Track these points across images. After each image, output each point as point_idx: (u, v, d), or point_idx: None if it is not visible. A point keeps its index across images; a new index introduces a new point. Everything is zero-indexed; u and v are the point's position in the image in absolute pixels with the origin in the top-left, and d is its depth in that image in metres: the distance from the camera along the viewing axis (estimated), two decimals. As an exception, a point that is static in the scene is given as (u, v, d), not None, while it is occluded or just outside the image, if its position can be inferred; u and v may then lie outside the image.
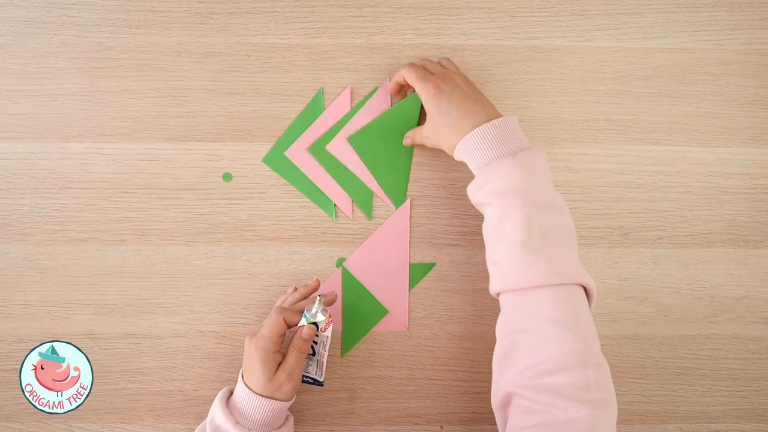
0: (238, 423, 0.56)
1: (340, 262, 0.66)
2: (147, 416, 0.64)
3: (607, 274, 0.66)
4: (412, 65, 0.61)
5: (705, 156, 0.67)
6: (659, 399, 0.66)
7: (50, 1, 0.65)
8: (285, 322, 0.56)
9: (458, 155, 0.58)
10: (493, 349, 0.54)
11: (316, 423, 0.64)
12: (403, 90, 0.65)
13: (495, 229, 0.54)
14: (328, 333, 0.58)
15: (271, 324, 0.56)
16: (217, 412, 0.57)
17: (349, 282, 0.65)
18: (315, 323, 0.57)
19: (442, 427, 0.65)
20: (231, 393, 0.59)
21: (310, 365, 0.60)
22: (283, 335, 0.57)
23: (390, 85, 0.65)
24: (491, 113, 0.57)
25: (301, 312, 0.58)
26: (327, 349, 0.59)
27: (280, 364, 0.57)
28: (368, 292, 0.65)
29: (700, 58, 0.67)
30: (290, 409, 0.62)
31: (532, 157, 0.54)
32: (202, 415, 0.64)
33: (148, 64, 0.65)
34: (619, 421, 0.65)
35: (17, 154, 0.65)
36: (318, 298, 0.58)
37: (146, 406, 0.64)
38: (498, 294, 0.55)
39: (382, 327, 0.65)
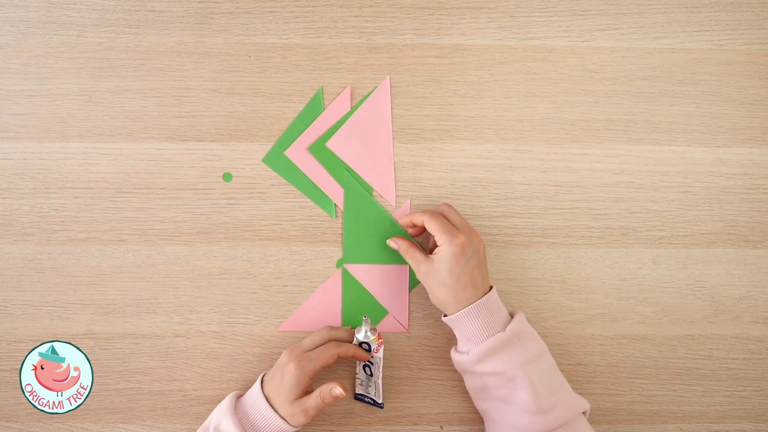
0: None
1: (340, 262, 0.66)
2: (147, 416, 0.64)
3: (607, 274, 0.66)
4: (434, 214, 0.59)
5: (705, 156, 0.67)
6: (659, 399, 0.66)
7: (50, 1, 0.65)
8: (339, 356, 0.57)
9: (447, 320, 0.59)
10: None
11: (316, 423, 0.64)
12: (417, 230, 0.63)
13: (504, 392, 0.57)
14: (381, 354, 0.58)
15: (326, 355, 0.57)
16: (224, 419, 0.56)
17: (349, 282, 0.65)
18: (368, 345, 0.58)
19: (442, 427, 0.65)
20: (238, 397, 0.59)
21: (370, 387, 0.60)
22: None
23: (403, 221, 0.62)
24: (485, 283, 0.58)
25: (352, 339, 0.59)
26: (381, 370, 0.59)
27: (304, 393, 0.57)
28: (368, 292, 0.65)
29: (700, 58, 0.67)
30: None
31: (518, 328, 0.57)
32: (202, 415, 0.64)
33: (148, 64, 0.65)
34: (619, 421, 0.66)
35: (17, 154, 0.65)
36: (363, 318, 0.59)
37: (146, 406, 0.64)
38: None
39: (382, 327, 0.65)
